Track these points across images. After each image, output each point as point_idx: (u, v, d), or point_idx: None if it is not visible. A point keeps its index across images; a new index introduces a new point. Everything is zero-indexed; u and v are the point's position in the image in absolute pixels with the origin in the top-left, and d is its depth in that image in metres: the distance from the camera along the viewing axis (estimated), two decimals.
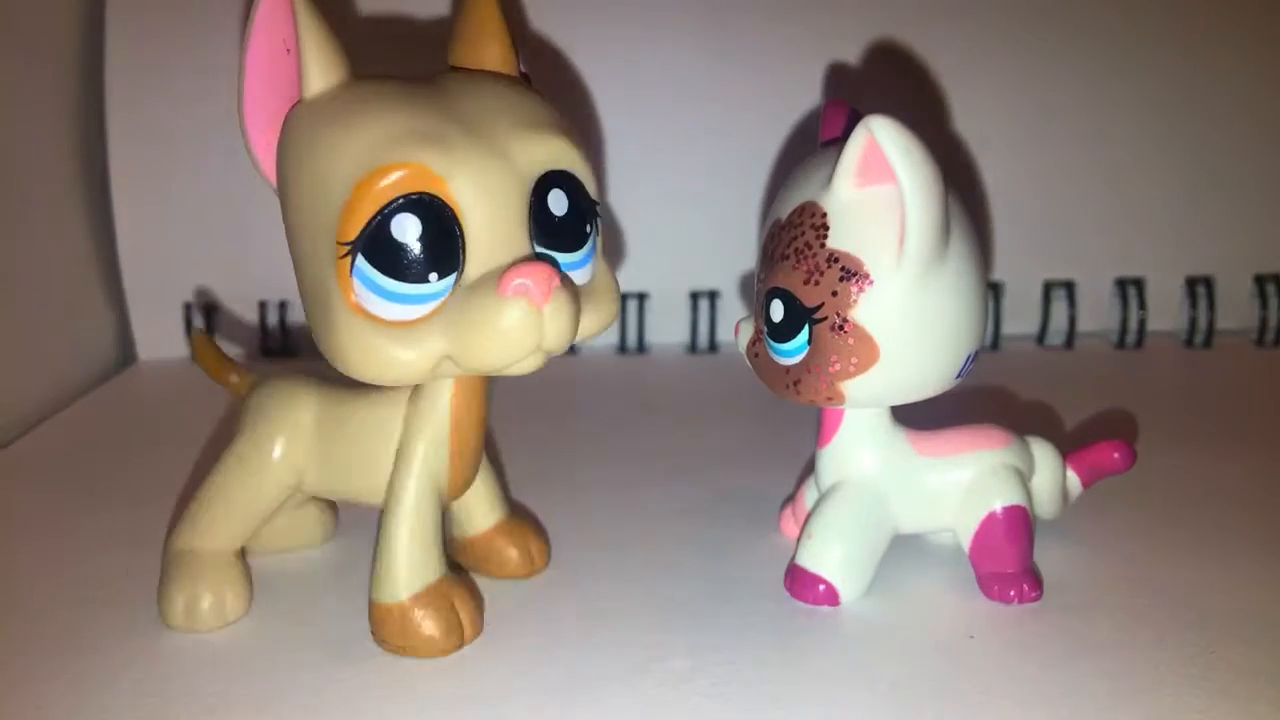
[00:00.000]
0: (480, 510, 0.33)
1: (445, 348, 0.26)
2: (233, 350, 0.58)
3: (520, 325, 0.25)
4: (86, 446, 0.47)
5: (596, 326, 0.28)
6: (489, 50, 0.29)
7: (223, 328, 0.58)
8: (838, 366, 0.29)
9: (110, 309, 0.59)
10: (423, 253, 0.25)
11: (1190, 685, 0.27)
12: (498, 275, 0.25)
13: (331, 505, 0.36)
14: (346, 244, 0.25)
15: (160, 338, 0.58)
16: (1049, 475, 0.34)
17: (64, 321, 0.55)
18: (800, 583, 0.32)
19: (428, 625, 0.29)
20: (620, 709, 0.27)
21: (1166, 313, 0.60)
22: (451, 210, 0.25)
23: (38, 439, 0.47)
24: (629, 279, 0.59)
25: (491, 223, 0.26)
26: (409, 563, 0.29)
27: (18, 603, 0.32)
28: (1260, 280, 0.59)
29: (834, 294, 0.28)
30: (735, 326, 0.32)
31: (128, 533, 0.37)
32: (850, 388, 0.29)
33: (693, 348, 0.60)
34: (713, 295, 0.59)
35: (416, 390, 0.29)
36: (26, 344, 0.51)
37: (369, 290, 0.25)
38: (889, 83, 0.58)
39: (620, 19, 0.57)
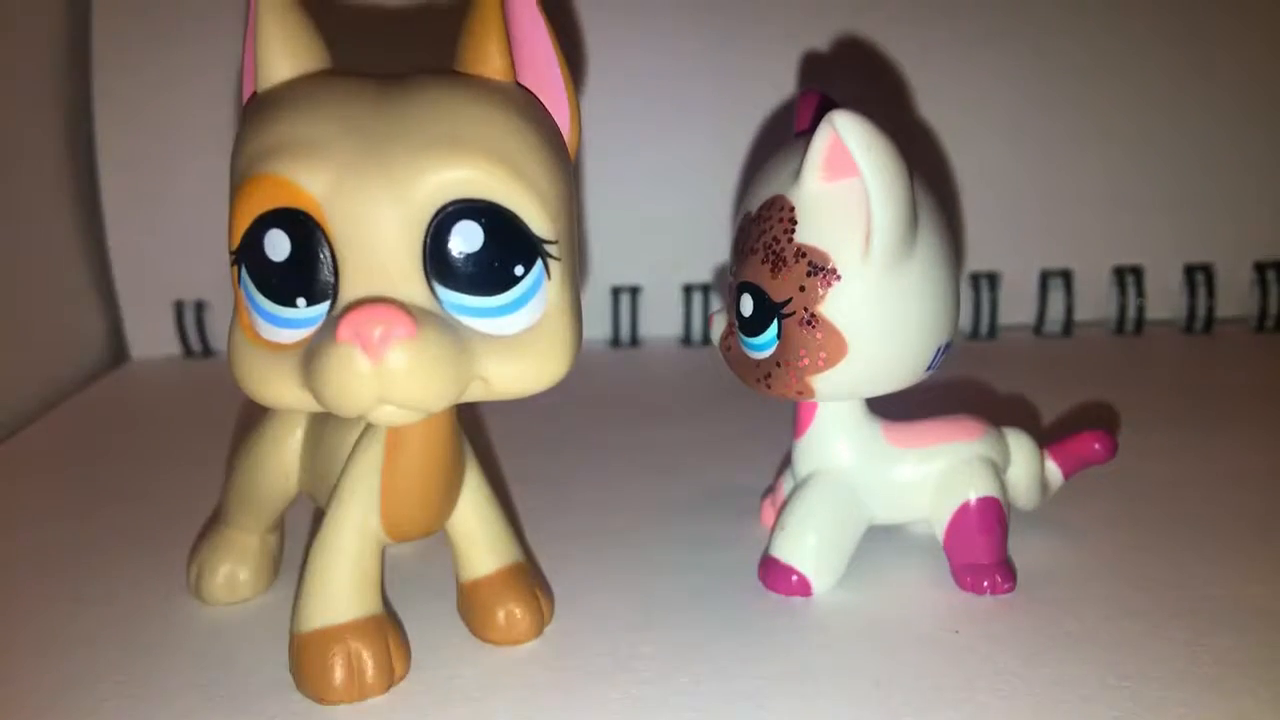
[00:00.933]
0: (473, 554, 0.30)
1: (303, 380, 0.23)
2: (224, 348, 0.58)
3: (348, 374, 0.22)
4: (78, 445, 0.47)
5: (519, 386, 0.24)
6: (487, 55, 0.25)
7: (214, 326, 0.58)
8: (806, 361, 0.28)
9: (102, 307, 0.59)
10: (290, 273, 0.23)
11: (1177, 678, 0.27)
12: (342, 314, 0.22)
13: None
14: (232, 253, 0.24)
15: (152, 336, 0.59)
16: (1025, 466, 0.33)
17: (55, 320, 0.55)
18: (773, 574, 0.32)
19: (314, 667, 0.26)
20: (600, 706, 0.26)
21: (1166, 301, 0.59)
22: (324, 232, 0.23)
23: (29, 437, 0.48)
24: (622, 273, 0.59)
25: (371, 251, 0.23)
26: (318, 596, 0.27)
27: (7, 600, 0.32)
28: (1260, 267, 0.59)
29: (801, 289, 0.28)
30: (709, 319, 0.32)
31: (119, 531, 0.37)
32: (819, 382, 0.29)
33: (686, 341, 0.59)
34: (706, 289, 0.59)
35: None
36: (18, 342, 0.51)
37: (249, 304, 0.24)
38: (886, 72, 0.57)
39: (614, 10, 0.57)
